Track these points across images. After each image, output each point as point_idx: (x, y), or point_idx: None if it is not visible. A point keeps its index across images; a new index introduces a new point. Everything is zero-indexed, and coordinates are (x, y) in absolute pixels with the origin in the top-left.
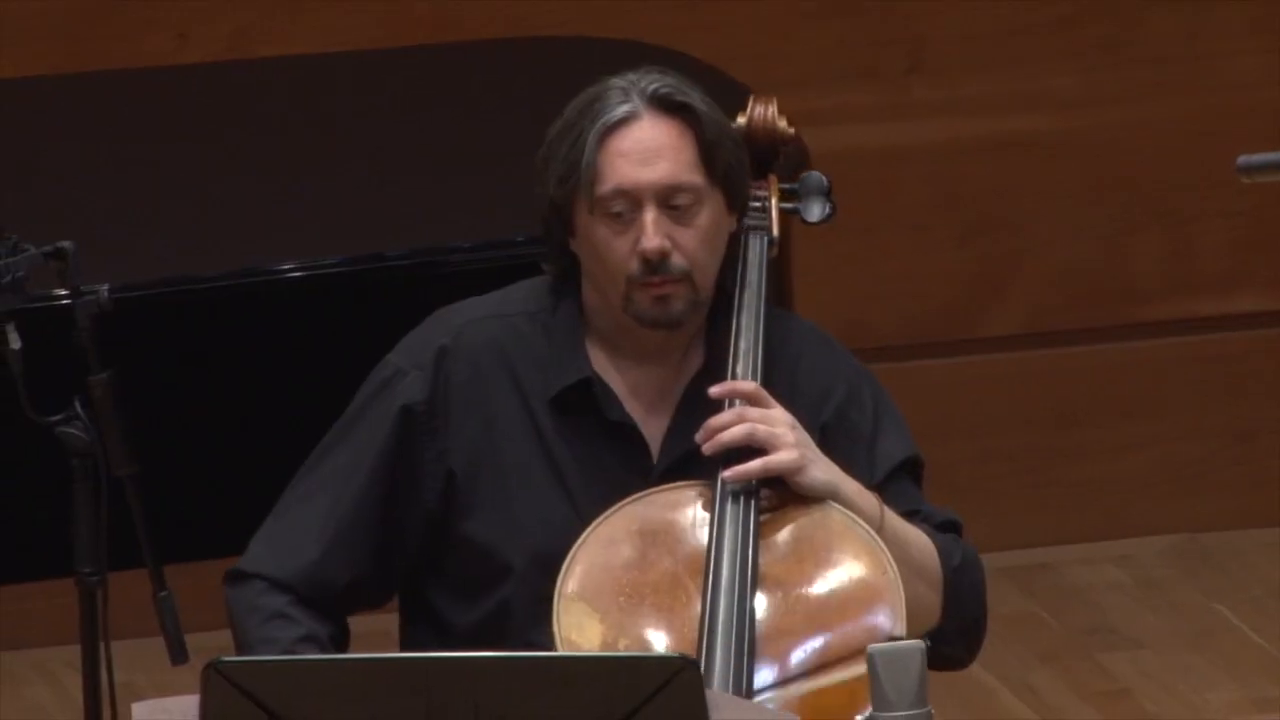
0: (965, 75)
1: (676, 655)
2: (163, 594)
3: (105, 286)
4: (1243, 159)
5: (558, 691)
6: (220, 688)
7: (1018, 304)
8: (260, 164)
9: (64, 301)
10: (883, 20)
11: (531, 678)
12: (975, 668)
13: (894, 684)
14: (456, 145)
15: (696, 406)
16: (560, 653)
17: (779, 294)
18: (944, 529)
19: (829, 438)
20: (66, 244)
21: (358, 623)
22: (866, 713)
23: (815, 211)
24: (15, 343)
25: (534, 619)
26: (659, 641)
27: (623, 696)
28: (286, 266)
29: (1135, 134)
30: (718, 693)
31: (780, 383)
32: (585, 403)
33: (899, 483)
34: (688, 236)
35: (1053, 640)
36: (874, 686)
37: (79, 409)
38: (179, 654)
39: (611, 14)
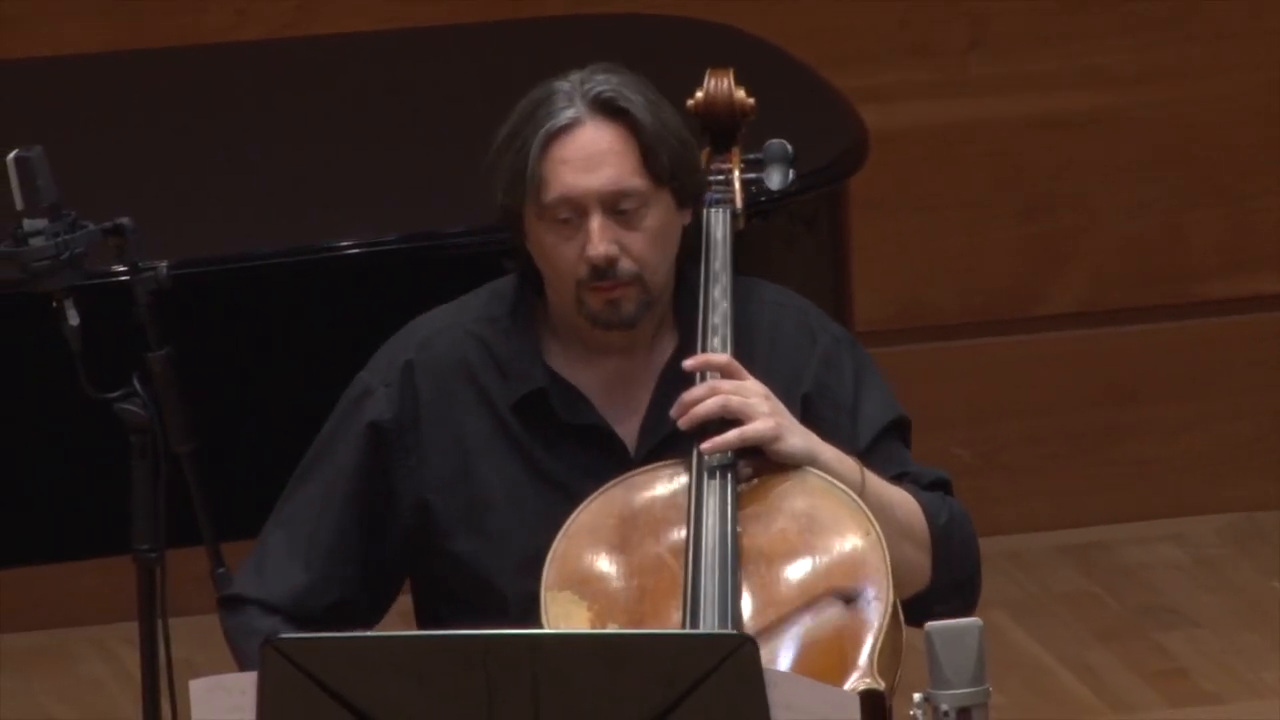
0: (1025, 52)
1: (735, 633)
2: (220, 570)
3: (164, 263)
4: None
5: (616, 669)
6: (278, 665)
7: (1076, 282)
8: (319, 140)
9: (123, 278)
10: None
11: (590, 655)
12: (1033, 646)
13: (951, 662)
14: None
15: (673, 391)
16: (619, 630)
17: (835, 273)
18: (933, 488)
19: (811, 408)
20: (125, 220)
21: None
22: (866, 679)
23: (776, 180)
24: (74, 319)
25: (534, 621)
26: (647, 624)
27: (680, 674)
28: (345, 243)
29: (1194, 110)
30: (775, 670)
31: (758, 355)
32: (549, 408)
33: (886, 445)
34: (635, 240)
35: (1110, 619)
36: (931, 665)
37: (137, 385)
38: None
39: None
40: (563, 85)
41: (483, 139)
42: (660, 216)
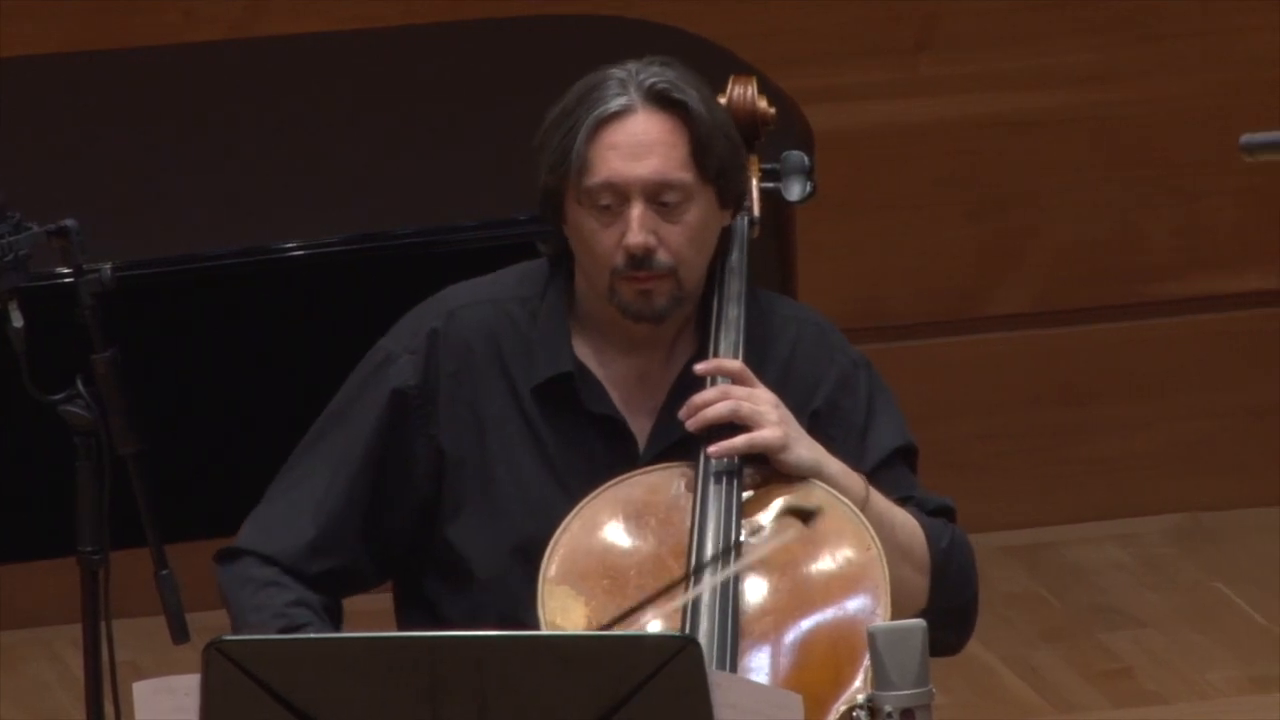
0: (975, 52)
1: (678, 634)
2: (164, 573)
3: (108, 265)
4: (1245, 138)
5: (560, 670)
6: (221, 666)
7: (1028, 282)
8: (265, 142)
9: (67, 280)
10: None
11: (534, 656)
12: (977, 646)
13: (896, 663)
14: (463, 123)
15: (687, 395)
16: (563, 631)
17: (782, 272)
18: (936, 514)
19: (820, 425)
20: (70, 222)
21: (354, 602)
22: (861, 693)
23: (795, 190)
24: (18, 321)
25: (525, 606)
26: (642, 624)
27: (625, 675)
28: (290, 245)
29: (1147, 111)
30: (719, 671)
31: (773, 368)
32: (569, 394)
33: (892, 469)
34: (674, 233)
35: (1055, 620)
36: (875, 665)
37: (81, 388)
38: (180, 633)
39: None
40: (617, 72)
41: (431, 139)
42: (702, 213)
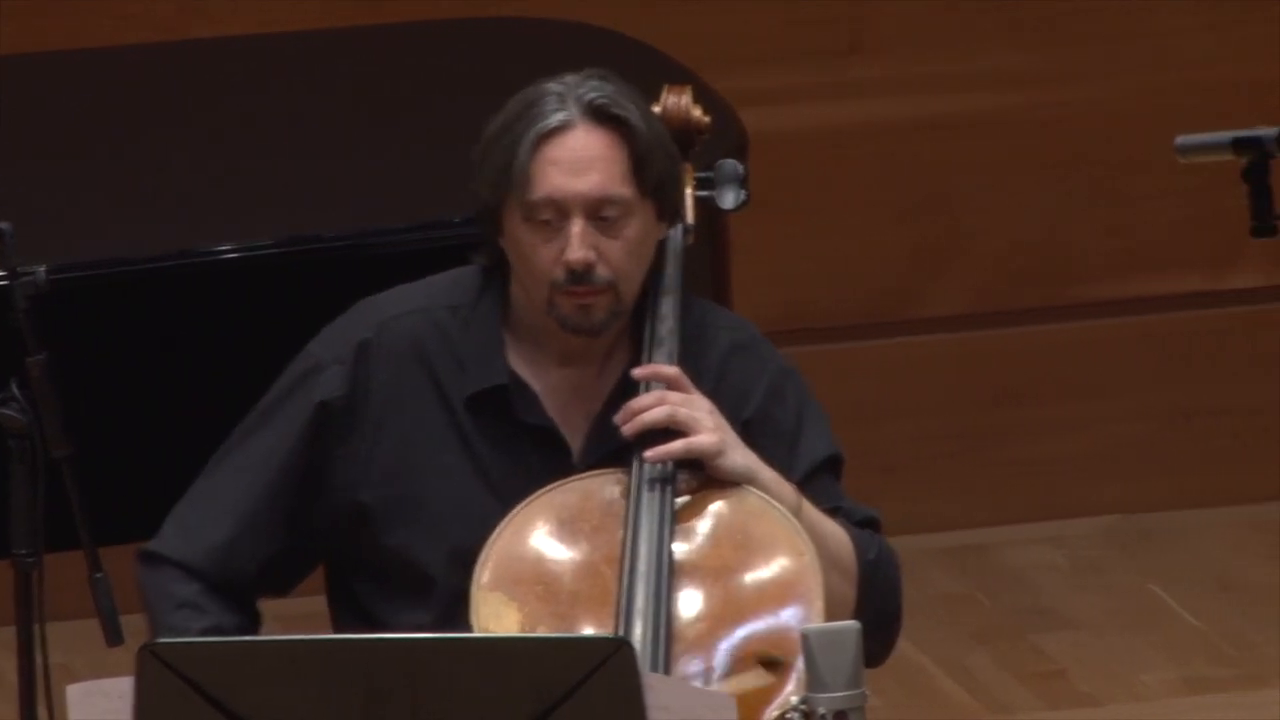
0: (907, 55)
1: (612, 636)
2: (98, 575)
3: (43, 267)
4: (1180, 139)
5: (494, 673)
6: (154, 669)
7: (959, 284)
8: (198, 145)
9: (1, 283)
10: (824, 1)
11: (468, 658)
12: (910, 648)
13: (829, 665)
14: (397, 125)
15: (621, 406)
16: (496, 634)
17: (715, 277)
18: (863, 525)
19: (751, 434)
20: (3, 225)
21: (289, 605)
22: (792, 697)
23: (730, 199)
24: None
25: (460, 613)
26: (576, 629)
27: (559, 677)
28: (224, 248)
29: (1080, 113)
30: (652, 674)
31: (706, 377)
32: (503, 404)
33: (820, 480)
34: (614, 248)
35: (988, 621)
36: (809, 668)
37: (15, 390)
38: (114, 636)
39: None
40: (555, 87)
41: (364, 141)
42: (640, 227)
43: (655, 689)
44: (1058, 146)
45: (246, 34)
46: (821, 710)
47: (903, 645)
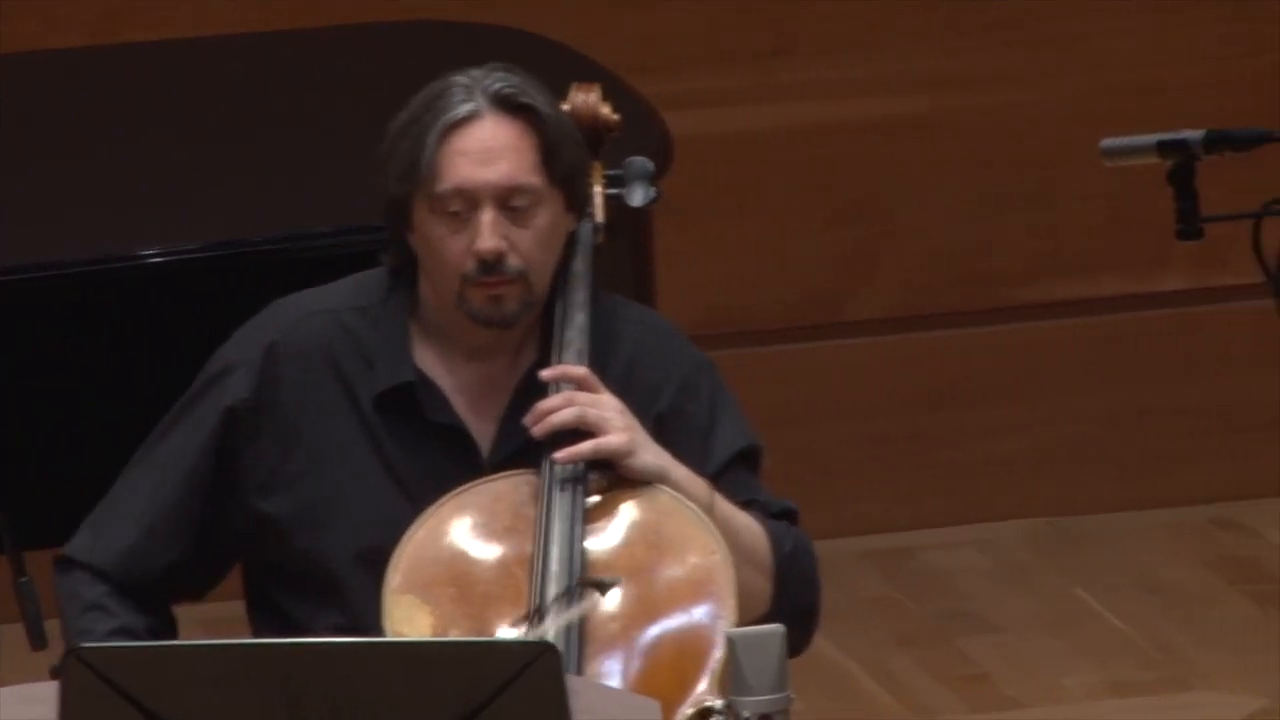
0: (832, 57)
1: (537, 640)
2: (23, 580)
3: None
4: (1105, 142)
5: (417, 676)
6: (79, 674)
7: (886, 287)
8: (125, 148)
9: None
10: (748, 3)
11: (389, 664)
12: (834, 651)
13: (754, 668)
14: (319, 129)
15: (530, 401)
16: (420, 638)
17: (639, 279)
18: (779, 518)
19: (664, 428)
20: None
21: (214, 609)
22: (707, 696)
23: (638, 196)
24: None
25: (373, 616)
26: (489, 631)
27: (482, 681)
28: (149, 251)
29: (1006, 116)
30: (577, 678)
31: (615, 372)
32: (410, 403)
33: (735, 472)
34: (524, 238)
35: (912, 624)
36: (733, 671)
37: None
38: (39, 640)
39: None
40: (462, 79)
41: (285, 144)
42: (550, 217)
43: (580, 693)
44: (985, 149)
45: (171, 38)
46: (746, 713)
47: (827, 648)
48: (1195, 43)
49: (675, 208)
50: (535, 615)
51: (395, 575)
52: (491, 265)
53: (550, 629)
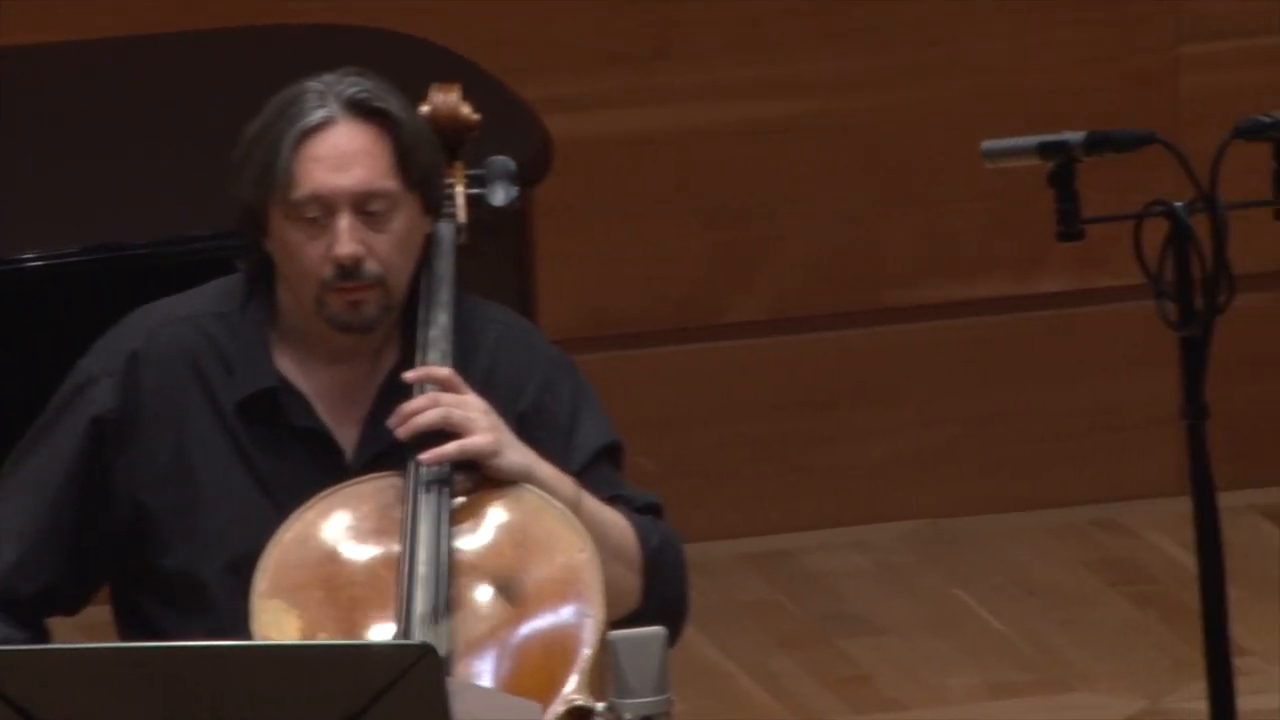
0: (713, 60)
1: (418, 643)
2: None
3: None
4: (986, 144)
5: (298, 680)
6: None
7: (767, 290)
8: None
9: None
10: (629, 5)
11: (271, 667)
12: (716, 654)
13: (634, 671)
14: (196, 132)
15: (393, 403)
16: (301, 642)
17: (519, 282)
18: (645, 512)
19: (526, 427)
20: None
21: (84, 613)
22: (575, 694)
23: (500, 196)
24: None
25: (243, 622)
26: (357, 634)
27: (363, 684)
28: (27, 255)
29: (886, 118)
30: (457, 681)
31: (476, 372)
32: (273, 408)
33: (599, 468)
34: (382, 242)
35: (793, 627)
36: (615, 673)
37: None
38: None
39: (360, 2)
40: (315, 85)
41: (164, 149)
42: (407, 221)
43: (461, 695)
44: (865, 151)
45: (48, 41)
46: (628, 716)
47: (708, 650)
48: (1075, 45)
49: (555, 210)
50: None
51: (262, 579)
52: (349, 271)
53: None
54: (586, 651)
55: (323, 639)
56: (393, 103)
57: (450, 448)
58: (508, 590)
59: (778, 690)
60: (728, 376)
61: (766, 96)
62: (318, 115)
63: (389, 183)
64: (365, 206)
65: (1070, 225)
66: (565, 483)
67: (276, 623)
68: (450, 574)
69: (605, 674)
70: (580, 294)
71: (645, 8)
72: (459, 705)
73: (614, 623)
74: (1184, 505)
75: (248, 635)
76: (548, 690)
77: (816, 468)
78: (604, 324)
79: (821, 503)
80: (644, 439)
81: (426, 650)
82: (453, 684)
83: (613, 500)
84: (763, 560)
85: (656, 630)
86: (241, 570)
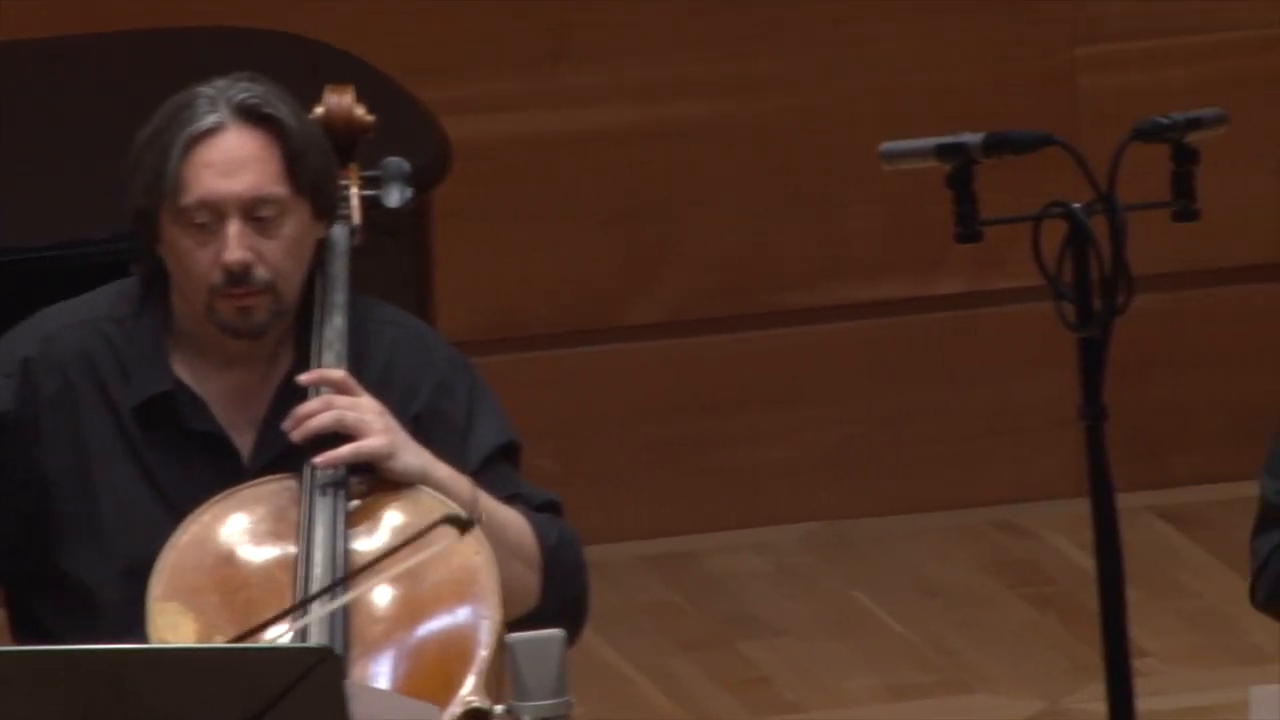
0: (612, 62)
1: (317, 645)
2: None
3: None
4: (884, 146)
5: (199, 682)
6: None
7: (667, 292)
8: None
9: None
10: (529, 6)
11: (173, 669)
12: (615, 656)
13: (533, 673)
14: (92, 135)
15: (289, 405)
16: (204, 644)
17: (418, 284)
18: (543, 510)
19: (422, 428)
20: None
21: None
22: (472, 695)
23: (394, 197)
24: None
25: (137, 626)
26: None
27: (263, 686)
28: None
29: (785, 120)
30: (357, 684)
31: (373, 373)
32: (170, 412)
33: (496, 468)
34: (272, 248)
35: (693, 629)
36: (513, 676)
37: None
38: None
39: (257, 4)
40: (206, 90)
41: (60, 152)
42: (298, 226)
43: (359, 698)
44: (766, 154)
45: None
46: (527, 718)
47: (607, 653)
48: (977, 46)
49: (457, 212)
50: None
51: (158, 583)
52: (239, 277)
53: (316, 617)
54: (483, 653)
55: (219, 642)
56: (283, 108)
57: (345, 450)
58: (405, 591)
59: (677, 692)
60: (628, 378)
61: (666, 98)
62: (208, 121)
63: (278, 188)
64: (254, 212)
65: (969, 227)
66: (462, 483)
67: (173, 625)
68: (346, 576)
69: (504, 676)
70: (480, 296)
71: (544, 9)
72: (357, 707)
73: (513, 622)
74: (1083, 506)
75: (144, 639)
76: (445, 691)
77: (716, 469)
78: (504, 326)
79: (721, 505)
80: (545, 441)
81: (326, 653)
82: (351, 686)
83: (511, 499)
84: (662, 562)
85: (555, 633)
86: (137, 575)
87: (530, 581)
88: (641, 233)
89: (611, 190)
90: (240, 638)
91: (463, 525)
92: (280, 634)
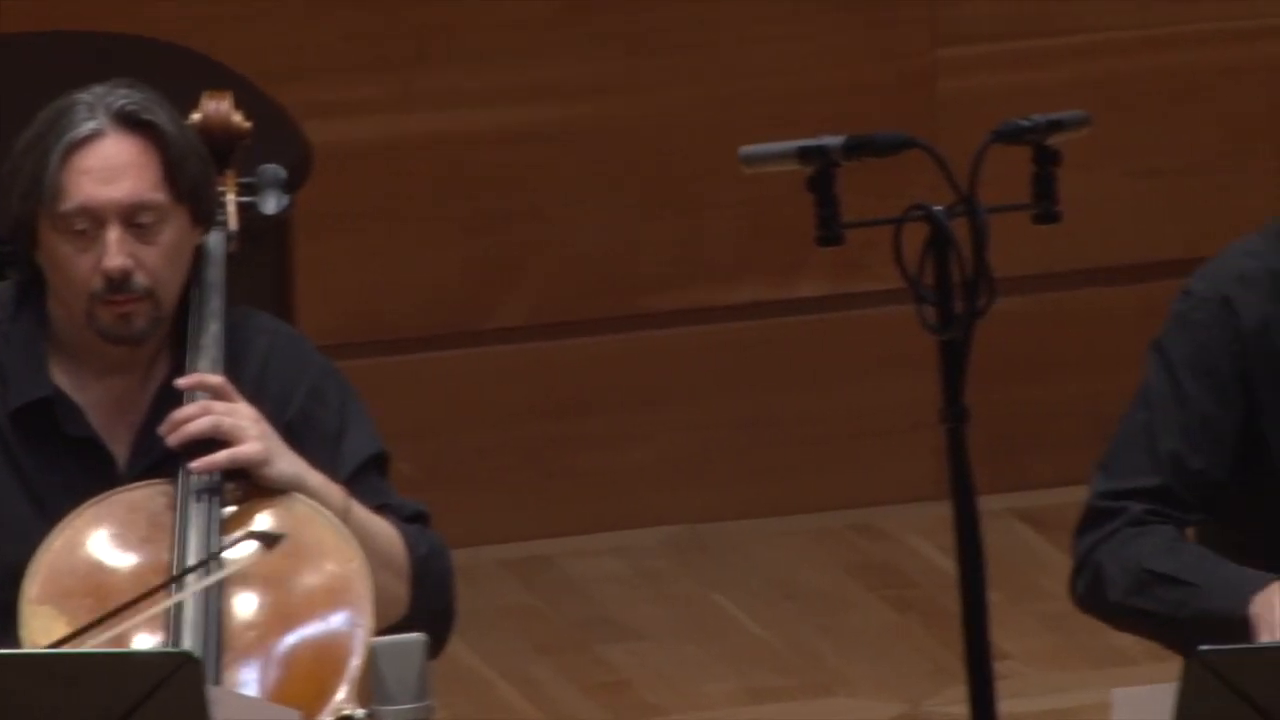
0: (474, 65)
1: (177, 651)
2: None
3: None
4: (744, 150)
5: (61, 689)
6: None
7: (526, 295)
8: None
9: None
10: (389, 11)
11: (33, 674)
12: (475, 660)
13: (394, 677)
14: None
15: (167, 411)
16: (62, 649)
17: (279, 288)
18: (413, 521)
19: (295, 435)
20: None
21: None
22: (346, 704)
23: (271, 204)
24: None
25: (9, 630)
26: (126, 641)
27: (124, 691)
28: None
29: (647, 123)
30: (218, 689)
31: (246, 380)
32: (47, 419)
33: (367, 477)
34: (151, 254)
35: (551, 632)
36: (375, 680)
37: None
38: None
39: (123, 7)
40: (85, 97)
41: None
42: (176, 233)
43: (221, 703)
44: (625, 157)
45: None
46: None
47: (467, 657)
48: (837, 49)
49: (317, 216)
50: (175, 581)
51: (32, 586)
52: (118, 283)
53: (190, 594)
54: (356, 661)
55: (91, 647)
56: (162, 115)
57: (220, 456)
58: (277, 598)
59: (537, 696)
60: (487, 382)
61: (527, 101)
62: (86, 127)
63: (157, 195)
64: (134, 219)
65: (830, 230)
66: (335, 491)
67: (45, 629)
68: (219, 582)
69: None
70: (341, 299)
71: (405, 12)
72: (219, 712)
73: (381, 631)
74: (943, 509)
75: (15, 640)
76: (317, 699)
77: (575, 473)
78: (364, 330)
79: (580, 508)
80: (404, 445)
81: (186, 658)
82: (213, 691)
83: (381, 509)
84: (521, 566)
85: (417, 637)
86: (11, 579)
87: (399, 591)
88: (502, 236)
89: (472, 193)
90: (93, 624)
91: (270, 542)
92: (153, 641)
